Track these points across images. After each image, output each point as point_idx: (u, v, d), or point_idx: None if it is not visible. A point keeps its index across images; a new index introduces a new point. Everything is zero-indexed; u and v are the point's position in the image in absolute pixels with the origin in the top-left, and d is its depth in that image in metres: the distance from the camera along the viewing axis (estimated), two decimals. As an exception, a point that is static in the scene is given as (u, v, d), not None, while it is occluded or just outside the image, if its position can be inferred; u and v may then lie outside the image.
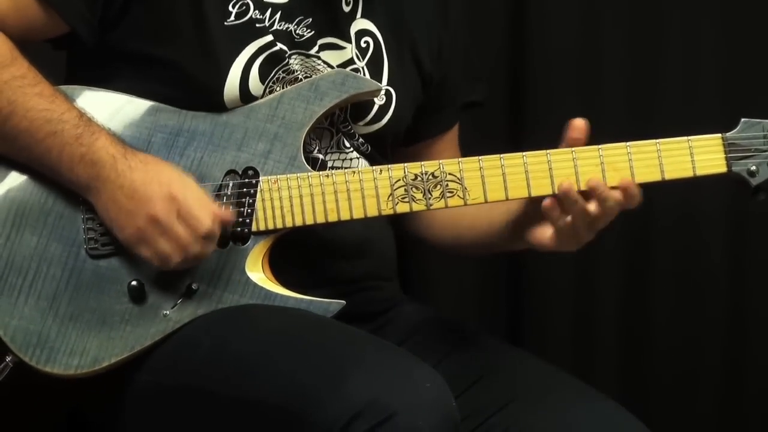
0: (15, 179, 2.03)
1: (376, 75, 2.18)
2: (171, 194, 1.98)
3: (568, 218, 2.04)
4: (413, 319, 2.27)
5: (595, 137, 2.90)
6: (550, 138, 2.87)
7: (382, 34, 2.20)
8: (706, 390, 3.07)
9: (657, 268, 3.05)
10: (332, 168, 2.15)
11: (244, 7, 2.08)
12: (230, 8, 2.08)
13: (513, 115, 2.97)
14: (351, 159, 2.17)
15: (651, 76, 3.00)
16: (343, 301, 2.05)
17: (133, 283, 2.02)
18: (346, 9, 2.17)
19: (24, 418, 2.14)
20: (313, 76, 2.10)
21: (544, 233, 2.08)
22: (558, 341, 3.01)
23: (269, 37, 2.08)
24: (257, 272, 2.05)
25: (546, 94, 2.96)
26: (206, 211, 1.99)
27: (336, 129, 2.16)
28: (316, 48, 2.14)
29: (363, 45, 2.18)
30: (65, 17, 2.05)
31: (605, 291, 3.03)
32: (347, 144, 2.17)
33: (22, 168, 2.03)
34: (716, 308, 3.06)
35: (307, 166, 2.07)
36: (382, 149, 2.20)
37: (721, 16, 3.00)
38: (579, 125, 2.08)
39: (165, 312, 2.03)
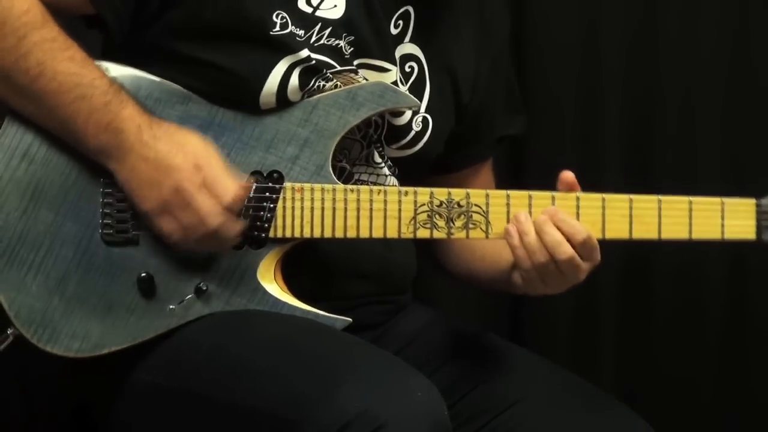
0: (39, 153, 2.01)
1: None
2: (197, 164, 1.96)
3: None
4: (418, 323, 2.26)
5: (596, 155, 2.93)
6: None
7: (426, 61, 2.15)
8: (706, 390, 3.08)
9: (657, 268, 3.04)
10: (359, 181, 2.12)
11: (285, 20, 2.03)
12: (274, 18, 2.03)
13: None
14: (379, 176, 2.14)
15: (652, 90, 2.99)
16: (349, 319, 2.04)
17: (144, 275, 2.01)
18: (394, 32, 2.12)
19: (29, 416, 2.15)
20: (352, 85, 2.06)
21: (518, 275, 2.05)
22: (558, 341, 3.02)
23: (305, 52, 2.03)
24: (268, 279, 2.03)
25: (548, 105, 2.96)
26: (231, 179, 1.97)
27: (368, 142, 2.12)
28: (359, 66, 2.09)
29: (407, 69, 2.14)
30: (94, 2, 2.01)
31: (605, 291, 3.02)
32: (378, 160, 2.14)
33: (47, 142, 2.00)
34: (716, 308, 3.06)
35: (334, 176, 2.04)
36: (408, 174, 2.16)
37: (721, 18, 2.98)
38: (568, 179, 2.03)
39: (171, 307, 2.02)
